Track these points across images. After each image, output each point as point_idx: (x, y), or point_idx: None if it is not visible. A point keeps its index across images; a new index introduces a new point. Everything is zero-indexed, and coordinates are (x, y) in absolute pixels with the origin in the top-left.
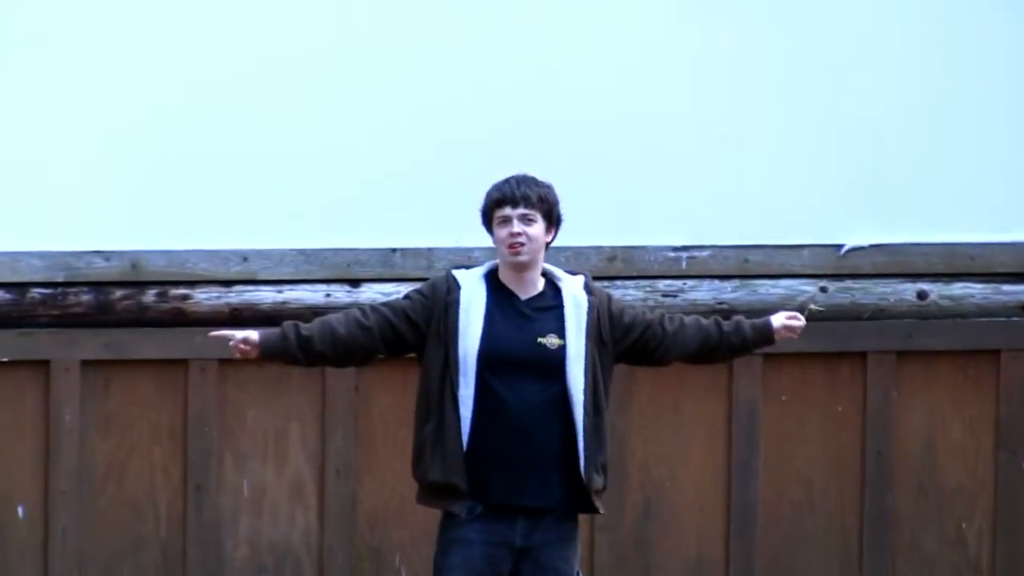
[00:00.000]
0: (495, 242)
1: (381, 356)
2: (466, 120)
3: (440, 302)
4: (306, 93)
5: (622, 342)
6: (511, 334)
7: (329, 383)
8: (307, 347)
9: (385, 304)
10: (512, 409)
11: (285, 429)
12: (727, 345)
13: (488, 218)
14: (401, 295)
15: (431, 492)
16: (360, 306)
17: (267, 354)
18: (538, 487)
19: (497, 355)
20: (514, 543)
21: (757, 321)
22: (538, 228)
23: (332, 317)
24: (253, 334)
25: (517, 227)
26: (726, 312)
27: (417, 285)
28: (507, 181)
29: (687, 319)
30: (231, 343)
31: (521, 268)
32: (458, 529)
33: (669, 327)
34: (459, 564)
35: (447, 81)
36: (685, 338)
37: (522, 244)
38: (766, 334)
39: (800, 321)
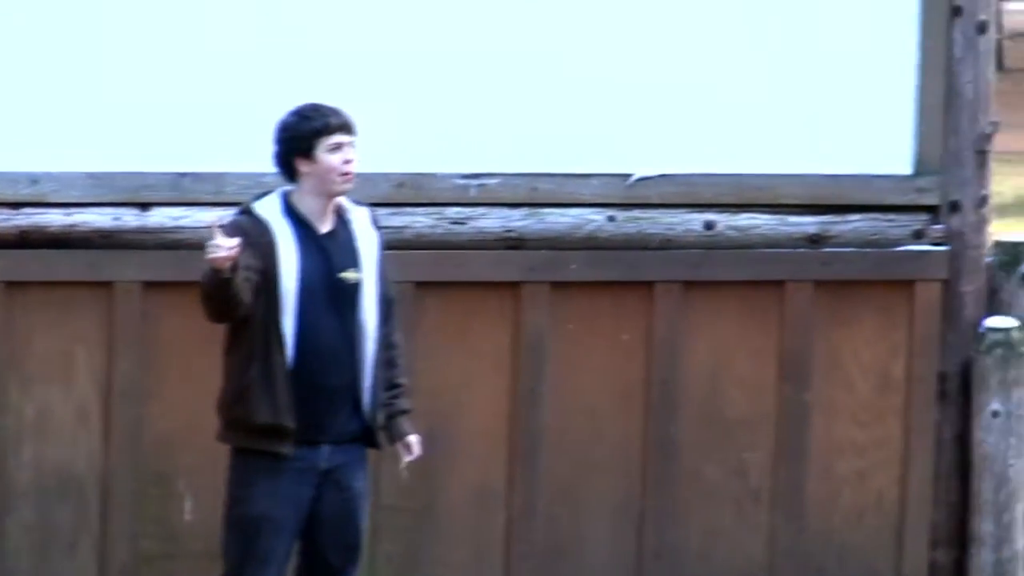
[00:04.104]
0: (319, 170)
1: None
2: (258, 45)
3: (258, 245)
4: (101, 14)
5: None
6: (317, 270)
7: (116, 305)
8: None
9: (244, 265)
10: (321, 345)
11: (71, 352)
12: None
13: (309, 143)
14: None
15: (254, 433)
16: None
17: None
18: (339, 420)
19: (310, 292)
20: (319, 467)
21: (402, 422)
22: None
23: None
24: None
25: (352, 154)
26: (514, 241)
27: (227, 226)
28: (330, 108)
29: (397, 357)
30: (230, 249)
31: (334, 198)
32: (263, 459)
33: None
34: (265, 495)
35: (241, 4)
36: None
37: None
38: (395, 431)
39: (404, 457)
